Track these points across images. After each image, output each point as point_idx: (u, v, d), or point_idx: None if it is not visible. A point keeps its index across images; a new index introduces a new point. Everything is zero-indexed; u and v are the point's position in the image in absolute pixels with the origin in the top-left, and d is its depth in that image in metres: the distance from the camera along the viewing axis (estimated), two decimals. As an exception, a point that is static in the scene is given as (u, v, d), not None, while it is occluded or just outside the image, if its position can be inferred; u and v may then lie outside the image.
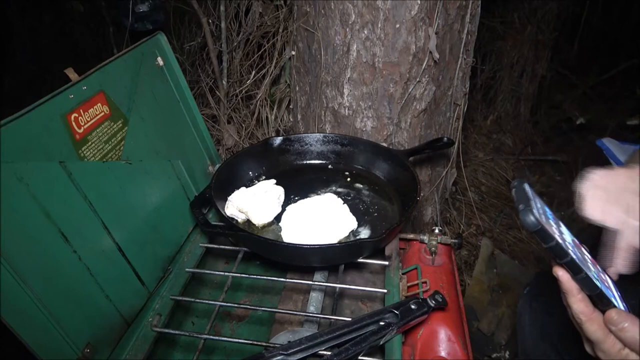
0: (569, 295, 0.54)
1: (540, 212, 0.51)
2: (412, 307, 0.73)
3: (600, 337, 0.53)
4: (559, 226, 0.55)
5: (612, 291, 0.55)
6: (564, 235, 0.54)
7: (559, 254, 0.51)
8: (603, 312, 0.53)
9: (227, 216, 0.93)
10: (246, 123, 1.63)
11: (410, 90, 1.19)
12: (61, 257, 0.67)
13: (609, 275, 0.59)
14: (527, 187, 0.53)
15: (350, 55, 1.17)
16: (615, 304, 0.52)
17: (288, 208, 0.94)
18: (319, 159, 1.12)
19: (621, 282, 0.59)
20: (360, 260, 0.85)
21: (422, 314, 0.73)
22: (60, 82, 0.72)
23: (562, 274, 0.53)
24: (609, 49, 2.90)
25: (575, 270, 0.51)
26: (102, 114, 0.78)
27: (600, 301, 0.53)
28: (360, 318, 0.70)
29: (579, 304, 0.53)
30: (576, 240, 0.57)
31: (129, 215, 0.81)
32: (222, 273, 0.86)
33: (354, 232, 0.91)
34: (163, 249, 0.89)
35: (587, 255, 0.57)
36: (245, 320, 1.10)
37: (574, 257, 0.51)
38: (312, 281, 0.91)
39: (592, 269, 0.54)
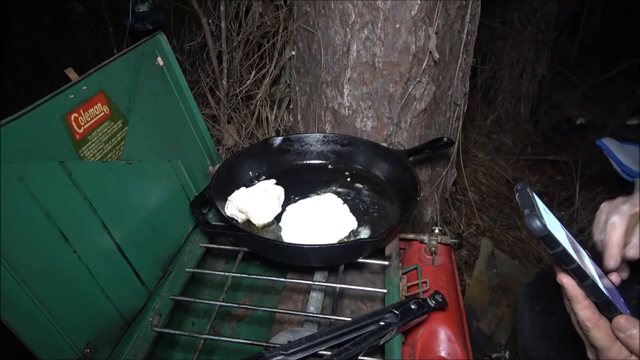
0: (574, 302, 0.52)
1: (544, 215, 0.49)
2: (412, 307, 0.73)
3: (607, 345, 0.51)
4: (562, 229, 0.53)
5: (616, 297, 0.54)
6: (568, 240, 0.52)
7: (565, 261, 0.49)
8: (609, 319, 0.52)
9: (227, 216, 0.93)
10: (246, 123, 1.63)
11: (410, 90, 1.18)
12: (61, 257, 0.67)
13: (611, 280, 0.58)
14: (530, 191, 0.52)
15: (350, 55, 1.17)
16: (621, 310, 0.51)
17: (288, 208, 0.94)
18: (319, 159, 1.12)
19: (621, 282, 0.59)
20: (360, 260, 0.85)
21: (422, 314, 0.73)
22: (60, 82, 0.72)
23: (567, 280, 0.52)
24: (609, 49, 2.90)
25: (581, 277, 0.50)
26: (102, 114, 0.78)
27: (606, 308, 0.51)
28: (360, 318, 0.70)
29: (585, 310, 0.52)
30: (577, 245, 0.55)
31: (129, 216, 0.81)
32: (222, 273, 0.86)
33: (354, 232, 0.91)
34: (163, 249, 0.89)
35: (590, 260, 0.56)
36: (245, 320, 1.10)
37: (580, 263, 0.50)
38: (312, 281, 0.91)
39: (595, 275, 0.53)
